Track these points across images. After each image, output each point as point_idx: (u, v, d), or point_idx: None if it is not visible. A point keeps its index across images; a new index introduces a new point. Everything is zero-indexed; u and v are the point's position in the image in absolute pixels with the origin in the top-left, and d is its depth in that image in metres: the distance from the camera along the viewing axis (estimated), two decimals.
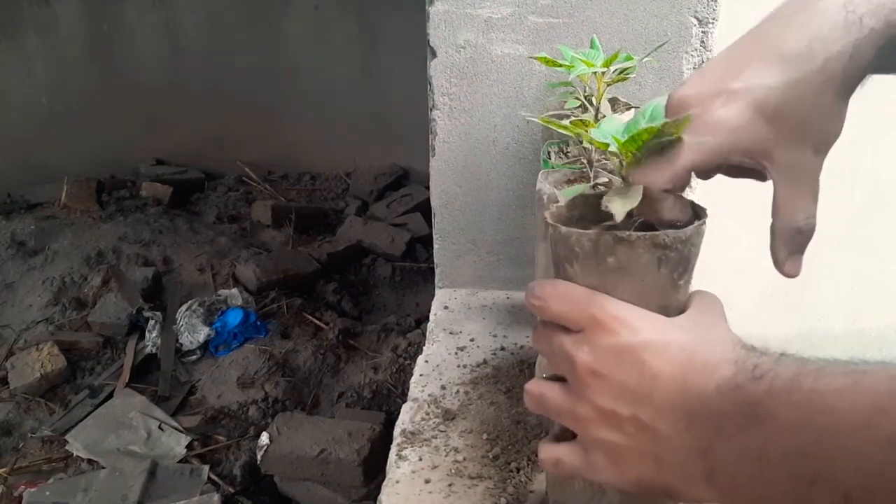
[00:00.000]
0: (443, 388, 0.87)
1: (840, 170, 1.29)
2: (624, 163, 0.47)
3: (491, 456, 0.74)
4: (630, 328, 0.44)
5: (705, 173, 0.53)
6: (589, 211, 0.51)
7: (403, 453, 0.75)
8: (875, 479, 0.34)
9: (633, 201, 0.45)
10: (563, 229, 0.46)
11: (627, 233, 0.44)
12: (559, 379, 0.48)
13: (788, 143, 0.50)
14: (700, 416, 0.41)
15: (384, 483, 0.72)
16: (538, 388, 0.49)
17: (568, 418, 0.47)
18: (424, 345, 0.98)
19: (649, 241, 0.44)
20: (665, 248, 0.44)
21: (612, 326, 0.44)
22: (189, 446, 2.08)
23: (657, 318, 0.45)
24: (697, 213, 0.48)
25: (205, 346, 2.45)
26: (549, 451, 0.49)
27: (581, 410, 0.45)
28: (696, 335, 0.44)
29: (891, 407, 0.34)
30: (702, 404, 0.41)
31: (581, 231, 0.45)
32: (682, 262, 0.45)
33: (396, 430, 0.80)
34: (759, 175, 0.54)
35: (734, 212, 1.27)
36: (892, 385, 0.34)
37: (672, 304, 0.46)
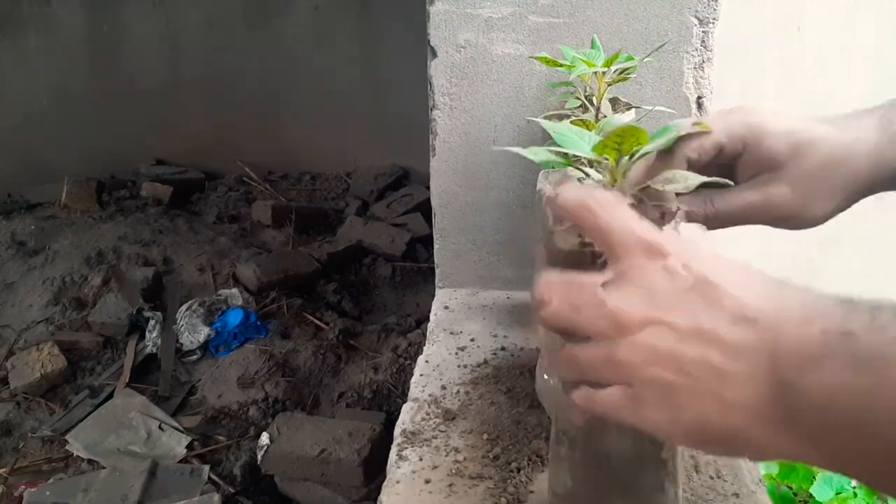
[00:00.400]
0: (443, 388, 0.87)
1: None
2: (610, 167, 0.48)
3: (491, 456, 0.74)
4: (694, 258, 0.40)
5: (718, 158, 0.56)
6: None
7: (404, 453, 0.75)
8: None
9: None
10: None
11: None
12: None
13: (786, 179, 0.55)
14: (792, 353, 0.36)
15: (384, 483, 0.72)
16: (568, 352, 0.43)
17: (609, 367, 0.41)
18: (425, 345, 0.98)
19: None
20: None
21: (665, 250, 0.39)
22: (189, 446, 2.08)
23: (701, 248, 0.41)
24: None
25: (205, 346, 2.45)
26: (585, 392, 0.43)
27: (629, 356, 0.40)
28: (757, 273, 0.40)
29: None
30: (799, 343, 0.36)
31: None
32: None
33: (397, 431, 0.80)
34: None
35: None
36: None
37: None
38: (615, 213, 0.41)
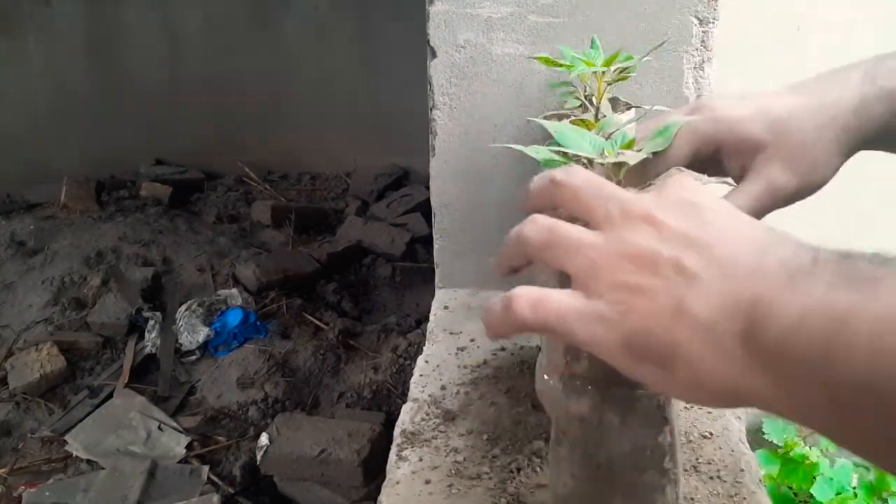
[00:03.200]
0: (443, 388, 0.87)
1: (844, 170, 1.29)
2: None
3: (491, 456, 0.74)
4: (698, 191, 0.39)
5: (700, 161, 0.55)
6: None
7: (403, 454, 0.75)
8: None
9: None
10: None
11: None
12: None
13: (777, 157, 0.53)
14: (773, 272, 0.33)
15: (384, 483, 0.72)
16: (550, 221, 0.40)
17: (584, 252, 0.38)
18: (424, 345, 0.98)
19: None
20: None
21: (687, 185, 0.39)
22: (189, 447, 2.08)
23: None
24: None
25: (204, 347, 2.45)
26: (537, 290, 0.39)
27: (610, 246, 0.37)
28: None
29: None
30: (784, 263, 0.33)
31: None
32: None
33: (396, 431, 0.80)
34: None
35: None
36: None
37: None
38: (590, 177, 0.41)
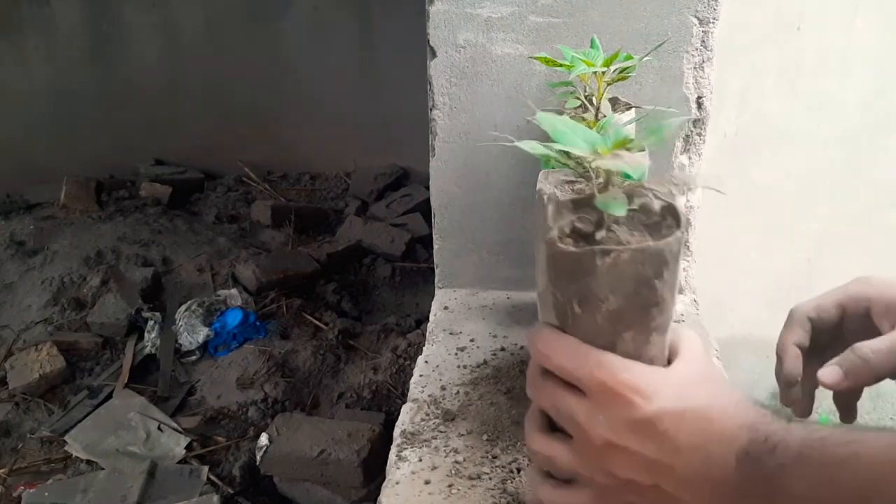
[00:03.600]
0: (443, 388, 0.87)
1: (845, 170, 1.29)
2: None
3: (491, 456, 0.74)
4: (644, 396, 0.44)
5: (850, 319, 0.60)
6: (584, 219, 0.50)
7: (403, 454, 0.75)
8: None
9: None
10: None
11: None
12: (564, 431, 0.48)
13: None
14: (723, 485, 0.43)
15: (384, 484, 0.72)
16: (547, 450, 0.49)
17: (584, 480, 0.48)
18: (424, 345, 0.98)
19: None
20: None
21: (626, 396, 0.44)
22: (188, 447, 2.08)
23: (663, 375, 0.46)
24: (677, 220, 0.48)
25: (204, 347, 2.45)
26: (562, 496, 0.49)
27: (599, 478, 0.46)
28: (705, 397, 0.45)
29: (889, 476, 0.38)
30: (724, 475, 0.43)
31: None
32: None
33: (396, 431, 0.80)
34: None
35: (736, 213, 1.27)
36: (889, 454, 0.38)
37: None
38: (576, 360, 0.46)
